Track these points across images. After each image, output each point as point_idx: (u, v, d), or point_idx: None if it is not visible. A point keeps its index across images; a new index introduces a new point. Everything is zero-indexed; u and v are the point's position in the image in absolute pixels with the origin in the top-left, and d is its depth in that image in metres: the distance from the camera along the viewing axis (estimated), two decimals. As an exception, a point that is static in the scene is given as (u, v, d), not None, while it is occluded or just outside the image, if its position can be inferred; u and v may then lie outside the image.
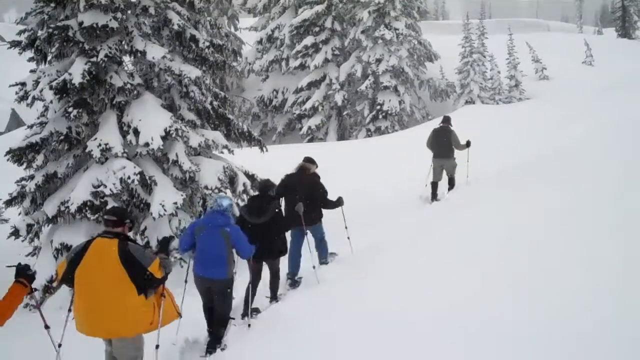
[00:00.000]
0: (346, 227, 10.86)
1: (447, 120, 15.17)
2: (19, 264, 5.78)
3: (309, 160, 10.60)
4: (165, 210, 12.40)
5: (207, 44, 14.59)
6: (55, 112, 12.97)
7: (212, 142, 14.15)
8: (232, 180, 14.27)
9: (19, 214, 13.56)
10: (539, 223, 9.00)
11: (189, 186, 13.94)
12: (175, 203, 12.57)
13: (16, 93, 13.39)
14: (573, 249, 7.60)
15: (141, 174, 12.65)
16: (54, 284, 6.24)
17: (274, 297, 9.49)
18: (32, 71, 13.63)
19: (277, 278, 9.48)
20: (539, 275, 7.05)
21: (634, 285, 6.09)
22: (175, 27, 13.74)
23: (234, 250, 7.94)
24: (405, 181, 14.82)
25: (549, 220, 9.04)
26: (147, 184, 12.94)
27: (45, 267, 12.64)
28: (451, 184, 14.86)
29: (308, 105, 32.96)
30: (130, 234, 6.69)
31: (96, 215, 12.42)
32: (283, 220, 9.33)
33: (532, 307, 6.29)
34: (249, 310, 8.54)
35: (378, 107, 32.27)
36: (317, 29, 33.91)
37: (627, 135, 13.72)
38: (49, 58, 13.24)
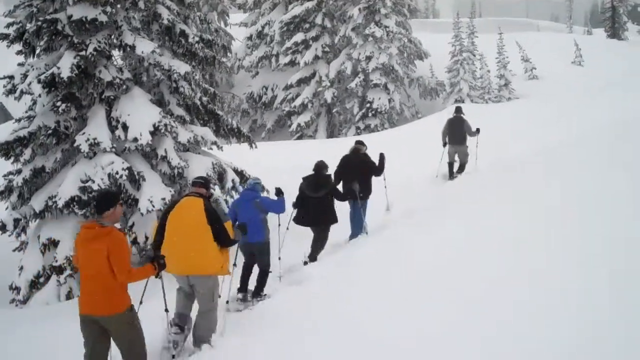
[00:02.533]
0: (385, 187, 13.11)
1: (459, 110, 16.75)
2: (151, 252, 7.22)
3: (359, 143, 12.47)
4: (153, 206, 12.35)
5: (196, 39, 14.53)
6: (44, 106, 12.86)
7: (201, 138, 14.11)
8: (220, 177, 14.22)
9: (6, 208, 13.44)
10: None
11: (177, 182, 13.89)
12: (164, 199, 12.51)
13: (4, 86, 13.26)
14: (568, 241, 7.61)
15: (130, 169, 12.58)
16: (149, 243, 7.13)
17: (313, 259, 10.90)
18: (20, 64, 13.52)
19: (321, 246, 11.05)
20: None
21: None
22: (165, 21, 13.68)
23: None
24: (396, 177, 14.79)
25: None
26: (136, 180, 12.87)
27: (32, 263, 12.61)
28: (462, 169, 16.29)
29: (297, 102, 32.97)
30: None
31: (84, 211, 12.36)
32: (339, 195, 11.18)
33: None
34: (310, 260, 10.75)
35: (368, 104, 32.31)
36: (307, 25, 33.90)
37: (616, 136, 13.77)
38: (37, 51, 13.11)
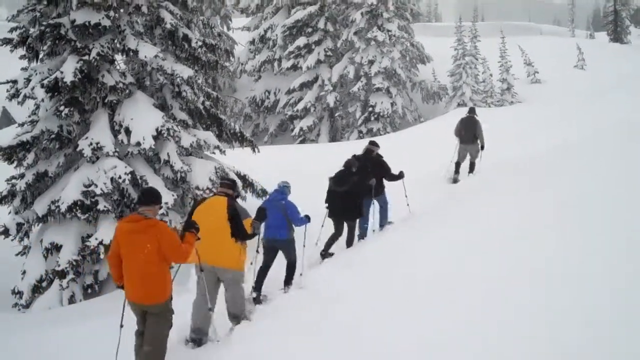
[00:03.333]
0: (406, 196, 13.02)
1: (472, 111, 17.15)
2: (187, 222, 7.69)
3: (373, 144, 12.84)
4: (156, 210, 12.34)
5: (199, 43, 14.55)
6: (47, 110, 12.89)
7: (203, 143, 14.12)
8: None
9: (9, 212, 13.48)
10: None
11: (180, 186, 13.91)
12: (167, 203, 12.51)
13: (7, 91, 13.34)
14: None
15: (132, 173, 12.60)
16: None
17: (349, 246, 11.71)
18: (23, 69, 13.56)
19: (353, 235, 11.79)
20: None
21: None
22: (168, 26, 13.71)
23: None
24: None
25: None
26: (139, 184, 12.88)
27: (34, 267, 12.64)
28: (472, 168, 16.58)
29: (300, 106, 32.93)
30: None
31: (86, 215, 12.37)
32: (361, 190, 11.62)
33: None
34: (327, 253, 11.39)
35: (370, 108, 32.26)
36: (309, 29, 33.93)
37: (618, 139, 13.85)
38: (40, 56, 13.15)
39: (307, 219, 10.15)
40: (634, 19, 70.54)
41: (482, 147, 16.30)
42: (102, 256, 12.18)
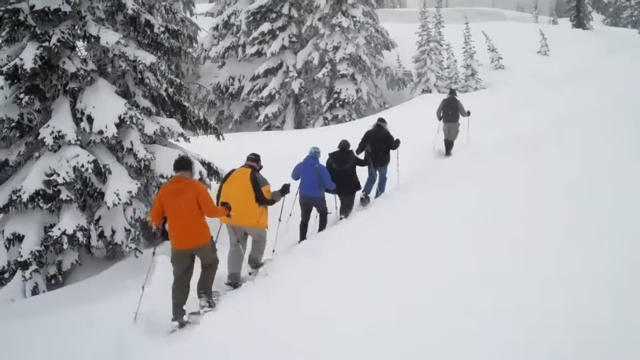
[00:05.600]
0: (398, 171, 14.34)
1: (453, 92, 18.78)
2: (220, 190, 9.95)
3: (382, 120, 14.39)
4: (119, 199, 12.24)
5: (162, 29, 14.40)
6: (6, 98, 12.64)
7: (167, 130, 14.01)
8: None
9: (-32, 202, 13.22)
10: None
11: (144, 175, 13.78)
12: (130, 192, 12.43)
13: (-35, 78, 13.05)
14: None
15: (95, 162, 12.41)
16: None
17: (345, 217, 12.67)
18: (-20, 56, 13.29)
19: (350, 207, 12.91)
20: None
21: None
22: (130, 11, 13.52)
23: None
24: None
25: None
26: (101, 173, 12.73)
27: (-4, 258, 12.42)
28: (450, 145, 17.93)
29: (265, 93, 32.78)
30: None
31: (49, 205, 12.18)
32: (361, 163, 13.30)
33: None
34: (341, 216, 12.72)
35: (335, 95, 32.23)
36: (274, 15, 33.70)
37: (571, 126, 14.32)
38: (-2, 42, 12.91)
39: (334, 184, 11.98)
40: (595, 5, 71.34)
41: (468, 113, 17.98)
42: (65, 246, 11.98)
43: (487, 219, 8.39)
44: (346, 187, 12.70)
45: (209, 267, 8.66)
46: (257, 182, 9.82)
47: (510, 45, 39.64)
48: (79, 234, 12.05)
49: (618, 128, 12.91)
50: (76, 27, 13.09)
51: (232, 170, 10.17)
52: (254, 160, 10.33)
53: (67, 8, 12.44)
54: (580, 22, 53.94)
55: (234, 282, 9.70)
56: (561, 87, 25.57)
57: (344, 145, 12.99)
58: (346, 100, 31.85)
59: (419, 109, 25.15)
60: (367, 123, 18.90)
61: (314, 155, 12.05)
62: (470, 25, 37.60)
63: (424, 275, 7.01)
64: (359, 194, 13.40)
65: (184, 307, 8.25)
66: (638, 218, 7.25)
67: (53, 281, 12.60)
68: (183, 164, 8.49)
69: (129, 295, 9.00)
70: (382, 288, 6.94)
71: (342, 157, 12.81)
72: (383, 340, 5.74)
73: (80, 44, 13.57)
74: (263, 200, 9.87)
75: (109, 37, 12.74)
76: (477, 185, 10.81)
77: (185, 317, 8.22)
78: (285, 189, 10.90)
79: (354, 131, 16.78)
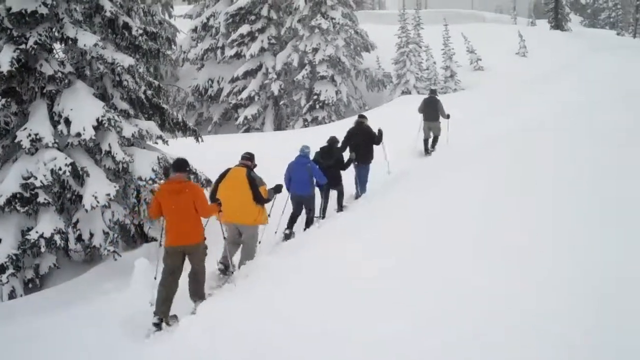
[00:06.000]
0: (387, 160, 15.71)
1: (433, 92, 19.56)
2: (213, 190, 10.19)
3: (362, 117, 15.08)
4: (98, 201, 12.17)
5: (140, 31, 14.36)
6: (-18, 101, 12.55)
7: (146, 132, 13.96)
8: (166, 171, 14.08)
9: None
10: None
11: (122, 177, 13.73)
12: (108, 194, 12.36)
13: (-59, 81, 12.93)
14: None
15: (73, 165, 12.34)
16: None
17: (340, 209, 13.69)
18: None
19: (342, 195, 13.82)
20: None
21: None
22: (108, 14, 13.48)
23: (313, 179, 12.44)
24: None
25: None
26: (79, 175, 12.66)
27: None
28: (435, 141, 18.67)
29: (244, 94, 32.75)
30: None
31: (26, 208, 12.10)
32: (342, 166, 13.61)
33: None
34: (323, 214, 13.26)
35: (315, 97, 32.28)
36: (253, 17, 33.67)
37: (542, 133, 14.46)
38: (-25, 45, 12.80)
39: (324, 173, 12.50)
40: (573, 7, 71.83)
41: (448, 117, 18.45)
42: (42, 249, 11.90)
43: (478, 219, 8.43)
44: (333, 180, 13.22)
45: (197, 272, 8.81)
46: (254, 181, 10.14)
47: (489, 46, 39.95)
48: (57, 237, 11.97)
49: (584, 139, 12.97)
50: (54, 30, 13.02)
51: (228, 170, 10.39)
52: (248, 159, 10.59)
53: (44, 10, 12.36)
54: (558, 23, 54.36)
55: (226, 264, 10.17)
56: (536, 90, 25.75)
57: (333, 141, 13.65)
58: (326, 102, 31.91)
59: (399, 110, 25.21)
60: (347, 124, 19.07)
61: (306, 154, 12.51)
62: (449, 27, 37.89)
63: (414, 274, 7.08)
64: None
65: (169, 306, 8.43)
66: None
67: (30, 285, 12.51)
68: (182, 165, 8.74)
69: (109, 298, 9.01)
70: (367, 291, 6.94)
71: (330, 152, 13.39)
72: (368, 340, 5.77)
73: (57, 46, 13.51)
74: (260, 198, 10.18)
75: (87, 39, 12.68)
76: (464, 183, 10.82)
77: (168, 315, 8.40)
78: (278, 188, 11.28)
79: (334, 132, 16.85)
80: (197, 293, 8.76)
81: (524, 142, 12.79)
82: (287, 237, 12.23)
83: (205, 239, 8.85)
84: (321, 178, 12.47)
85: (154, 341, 7.75)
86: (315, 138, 14.71)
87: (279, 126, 34.26)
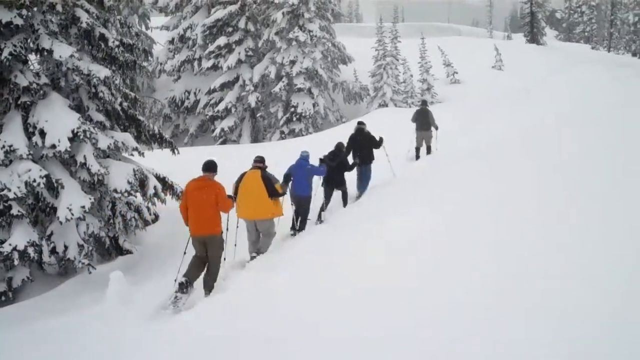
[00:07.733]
0: (389, 161, 16.43)
1: (424, 103, 20.50)
2: (235, 189, 11.30)
3: (362, 123, 16.24)
4: (72, 214, 12.07)
5: (116, 43, 14.30)
6: (-44, 112, 12.43)
7: (121, 144, 13.89)
8: (142, 184, 14.04)
9: None
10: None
11: (97, 189, 13.65)
12: (83, 207, 12.26)
13: None
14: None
15: (47, 177, 12.22)
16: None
17: (344, 205, 14.63)
18: None
19: (346, 194, 14.82)
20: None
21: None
22: (84, 25, 13.41)
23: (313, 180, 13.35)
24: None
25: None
26: (54, 188, 12.54)
27: (-56, 275, 12.16)
28: (429, 150, 19.46)
29: (221, 106, 32.74)
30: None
31: (0, 219, 11.98)
32: (347, 167, 14.75)
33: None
34: (321, 216, 13.87)
35: (292, 109, 32.36)
36: (230, 29, 33.73)
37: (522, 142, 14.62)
38: (-52, 55, 12.67)
39: (324, 166, 13.79)
40: (549, 21, 72.63)
41: (437, 128, 19.28)
42: (16, 262, 11.76)
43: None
44: (337, 181, 14.43)
45: (211, 263, 9.74)
46: (269, 179, 11.27)
47: (465, 60, 40.28)
48: (30, 250, 11.84)
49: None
50: (29, 41, 12.91)
51: (244, 173, 11.50)
52: (260, 162, 11.68)
53: (19, 21, 12.27)
54: (534, 37, 55.06)
55: (257, 252, 11.32)
56: (510, 104, 26.04)
57: (339, 147, 14.84)
58: (303, 114, 31.99)
59: (380, 121, 25.32)
60: (325, 136, 19.19)
61: (306, 158, 13.36)
62: (426, 40, 38.18)
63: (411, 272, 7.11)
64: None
65: (197, 275, 9.58)
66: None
67: (3, 298, 12.36)
68: (210, 166, 9.85)
69: (84, 311, 8.93)
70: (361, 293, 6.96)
71: (335, 155, 14.55)
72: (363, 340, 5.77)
73: (32, 57, 13.41)
74: (275, 193, 11.36)
75: (63, 50, 12.60)
76: (469, 187, 10.87)
77: (194, 281, 9.47)
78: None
79: (312, 145, 16.99)
80: (207, 284, 9.61)
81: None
82: (299, 230, 13.05)
83: (222, 232, 9.89)
84: (320, 172, 13.56)
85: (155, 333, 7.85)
86: (292, 150, 14.94)
87: (256, 138, 34.27)
